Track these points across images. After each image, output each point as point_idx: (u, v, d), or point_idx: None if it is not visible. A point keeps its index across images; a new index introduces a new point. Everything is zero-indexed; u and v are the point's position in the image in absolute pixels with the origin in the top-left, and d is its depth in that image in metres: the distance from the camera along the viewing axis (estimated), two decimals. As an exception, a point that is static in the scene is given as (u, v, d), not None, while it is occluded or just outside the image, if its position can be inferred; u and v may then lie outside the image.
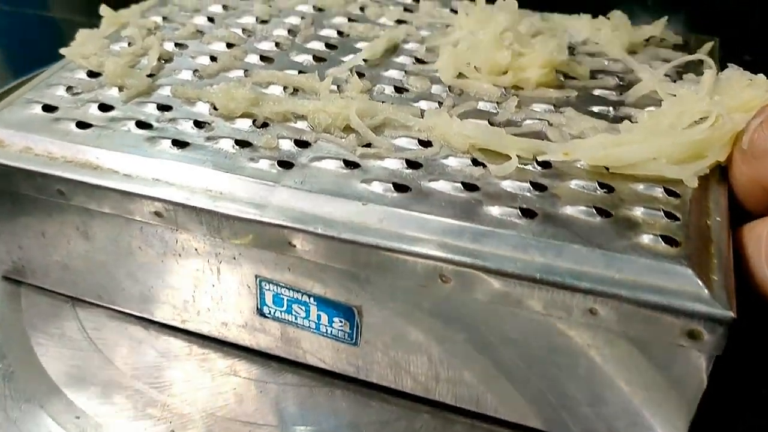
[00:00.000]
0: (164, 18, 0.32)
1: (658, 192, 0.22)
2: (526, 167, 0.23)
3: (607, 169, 0.23)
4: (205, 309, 0.26)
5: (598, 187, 0.22)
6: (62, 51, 0.30)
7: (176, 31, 0.31)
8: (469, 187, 0.23)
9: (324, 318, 0.24)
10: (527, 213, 0.22)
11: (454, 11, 0.33)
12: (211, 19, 0.32)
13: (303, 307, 0.24)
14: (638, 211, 0.22)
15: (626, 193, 0.22)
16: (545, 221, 0.21)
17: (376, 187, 0.23)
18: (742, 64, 0.26)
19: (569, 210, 0.22)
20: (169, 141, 0.25)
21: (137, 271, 0.26)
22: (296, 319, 0.24)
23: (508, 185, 0.23)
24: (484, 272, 0.21)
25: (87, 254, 0.27)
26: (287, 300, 0.24)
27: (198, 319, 0.26)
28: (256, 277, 0.24)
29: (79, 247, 0.27)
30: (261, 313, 0.25)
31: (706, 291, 0.19)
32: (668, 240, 0.20)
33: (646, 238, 0.21)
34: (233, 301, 0.25)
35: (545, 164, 0.23)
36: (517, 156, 0.23)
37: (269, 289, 0.24)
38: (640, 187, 0.23)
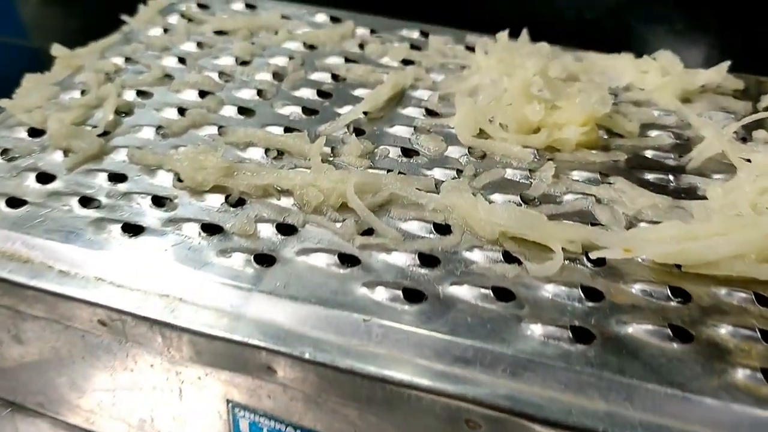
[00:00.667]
0: (127, 59, 0.27)
1: (747, 300, 0.17)
2: (573, 264, 0.18)
3: (679, 267, 0.18)
4: (165, 429, 0.21)
5: (671, 295, 0.17)
6: (2, 103, 0.25)
7: (140, 76, 0.26)
8: (502, 294, 0.17)
9: (314, 453, 0.19)
10: (581, 334, 0.16)
11: (470, 49, 0.28)
12: (182, 60, 0.27)
13: (286, 439, 0.19)
14: (726, 330, 0.16)
15: (706, 302, 0.17)
16: (605, 347, 0.16)
17: (381, 294, 0.17)
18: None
19: (635, 329, 0.16)
20: (120, 225, 0.20)
21: (82, 382, 0.21)
22: (279, 452, 0.19)
23: (552, 291, 0.17)
24: (525, 419, 0.15)
25: (22, 359, 0.21)
26: (268, 430, 0.19)
27: (159, 440, 0.21)
28: (228, 402, 0.19)
29: (13, 351, 0.21)
30: (235, 441, 0.20)
31: (834, 458, 0.14)
32: (771, 376, 0.15)
33: (741, 374, 0.15)
34: (200, 427, 0.20)
35: (599, 261, 0.18)
36: (563, 249, 0.18)
37: (244, 417, 0.19)
38: (723, 291, 0.17)
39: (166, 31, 0.30)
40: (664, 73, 0.26)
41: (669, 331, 0.16)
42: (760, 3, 0.45)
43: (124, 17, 0.30)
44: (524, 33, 0.28)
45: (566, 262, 0.18)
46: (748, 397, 0.15)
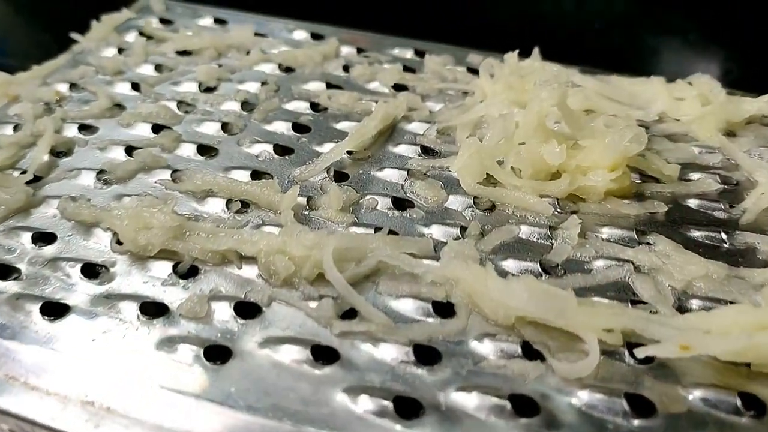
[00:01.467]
0: (72, 85, 0.23)
1: None
2: (612, 360, 0.14)
3: (748, 365, 0.14)
4: None
5: (741, 407, 0.13)
6: None
7: (85, 106, 0.22)
8: (522, 404, 0.13)
9: None
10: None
11: (474, 71, 0.24)
12: (136, 87, 0.23)
13: None
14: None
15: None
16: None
17: (365, 405, 0.13)
18: None
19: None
20: (40, 305, 0.15)
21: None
22: None
23: (586, 400, 0.13)
24: None
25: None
26: None
27: None
28: None
29: None
30: None
31: None
32: None
33: None
34: None
35: (647, 360, 0.14)
36: (599, 340, 0.14)
37: None
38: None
39: (121, 51, 0.26)
40: (703, 101, 0.22)
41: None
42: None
43: (75, 35, 0.26)
44: (536, 52, 0.24)
45: (603, 357, 0.14)
46: None
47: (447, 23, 0.45)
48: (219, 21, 0.28)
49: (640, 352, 0.14)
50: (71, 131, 0.22)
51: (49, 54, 0.37)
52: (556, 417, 0.13)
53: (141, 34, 0.27)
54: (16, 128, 0.22)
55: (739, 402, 0.14)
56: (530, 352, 0.15)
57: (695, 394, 0.14)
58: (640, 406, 0.14)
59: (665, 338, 0.14)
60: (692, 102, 0.22)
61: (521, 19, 0.48)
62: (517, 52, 0.24)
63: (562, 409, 0.13)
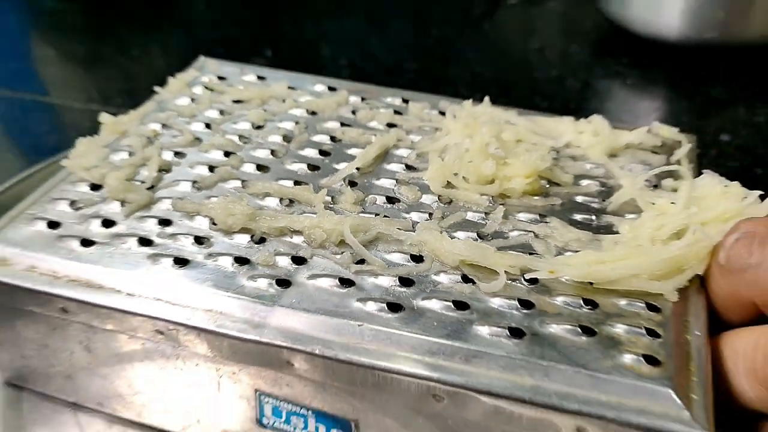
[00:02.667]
0: (163, 125, 0.34)
1: (640, 307, 0.24)
2: (514, 283, 0.25)
3: (591, 283, 0.24)
4: (206, 418, 0.27)
5: (583, 304, 0.24)
6: (63, 163, 0.31)
7: (174, 139, 0.33)
8: (460, 305, 0.24)
9: (322, 429, 0.25)
10: (515, 332, 0.23)
11: (443, 113, 0.35)
12: (208, 125, 0.34)
13: (302, 419, 0.25)
14: (621, 329, 0.23)
15: (610, 309, 0.24)
16: (533, 341, 0.22)
17: (371, 307, 0.24)
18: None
19: (555, 328, 0.23)
20: (171, 259, 0.26)
21: (139, 382, 0.27)
22: (294, 430, 0.25)
23: (497, 303, 0.24)
24: (475, 392, 0.22)
25: (89, 366, 0.28)
26: (286, 412, 0.25)
27: (198, 426, 0.27)
28: (256, 391, 0.25)
29: (81, 360, 0.28)
30: (260, 423, 0.26)
31: (686, 412, 0.20)
32: (650, 359, 0.22)
33: (628, 358, 0.22)
34: (233, 412, 0.26)
35: (533, 280, 0.25)
36: (506, 272, 0.25)
37: (268, 402, 0.25)
38: (623, 302, 0.24)
39: (192, 100, 0.36)
40: (595, 133, 0.32)
41: (579, 329, 0.23)
42: (703, 66, 0.53)
43: (157, 88, 0.37)
44: (486, 100, 0.34)
45: (508, 281, 0.25)
46: (631, 374, 0.21)
47: (426, 79, 0.56)
48: (260, 77, 0.38)
49: (528, 276, 0.25)
50: (168, 156, 0.32)
51: (85, 92, 0.48)
52: (478, 310, 0.24)
53: (206, 87, 0.37)
54: (129, 154, 0.32)
55: (582, 302, 0.24)
56: (467, 280, 0.25)
57: (558, 299, 0.24)
58: (527, 305, 0.24)
59: (542, 268, 0.25)
60: (588, 134, 0.32)
61: (495, 69, 0.59)
62: (471, 100, 0.34)
63: (481, 306, 0.24)
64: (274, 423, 0.26)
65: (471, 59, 0.61)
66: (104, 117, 0.34)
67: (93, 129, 0.34)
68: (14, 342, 0.29)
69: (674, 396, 0.21)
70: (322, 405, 0.24)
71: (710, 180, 0.28)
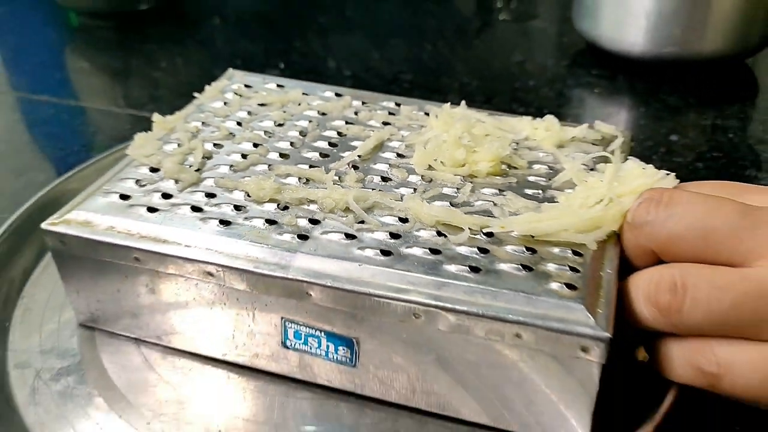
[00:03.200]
0: (203, 123, 0.43)
1: (568, 253, 0.32)
2: (475, 236, 0.33)
3: (533, 237, 0.33)
4: (242, 344, 0.35)
5: (525, 251, 0.32)
6: (127, 152, 0.40)
7: (213, 134, 0.41)
8: (434, 251, 0.32)
9: (331, 348, 0.33)
10: (474, 269, 0.31)
11: (428, 114, 0.43)
12: (239, 123, 0.43)
13: (316, 340, 0.33)
14: (552, 267, 0.31)
15: (545, 255, 0.32)
16: (487, 275, 0.31)
17: (369, 253, 0.32)
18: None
19: (504, 267, 0.31)
20: (216, 221, 0.35)
21: (190, 316, 0.36)
22: (311, 349, 0.34)
23: (461, 250, 0.32)
24: (444, 311, 0.30)
25: (152, 305, 0.36)
26: (304, 335, 0.34)
27: (236, 352, 0.36)
28: (282, 318, 0.34)
29: (146, 301, 0.36)
30: (284, 345, 0.34)
31: (592, 320, 0.29)
32: (570, 286, 0.30)
33: (555, 285, 0.30)
34: (263, 338, 0.35)
35: (489, 234, 0.33)
36: (469, 229, 0.33)
37: (291, 327, 0.34)
38: (555, 250, 0.32)
39: (225, 103, 0.45)
40: (547, 129, 0.41)
41: (521, 267, 0.31)
42: (661, 77, 0.61)
43: (196, 94, 0.46)
44: (463, 104, 0.43)
45: (471, 235, 0.33)
46: (555, 295, 0.30)
47: (420, 88, 0.65)
48: (279, 85, 0.47)
49: (485, 230, 0.33)
50: (209, 147, 0.41)
51: (118, 99, 0.57)
52: (447, 255, 0.32)
53: (235, 93, 0.46)
54: (178, 145, 0.41)
55: (524, 249, 0.33)
56: (441, 234, 0.34)
57: (507, 248, 0.33)
58: (484, 251, 0.33)
59: (496, 225, 0.33)
60: (542, 130, 0.41)
61: (480, 80, 0.68)
62: (449, 104, 0.43)
63: (450, 253, 0.32)
64: (294, 344, 0.34)
65: (460, 71, 0.69)
66: (156, 117, 0.43)
67: (127, 129, 0.42)
68: (91, 290, 0.37)
69: (584, 310, 0.29)
70: (331, 327, 0.33)
71: (633, 164, 0.37)
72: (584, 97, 0.64)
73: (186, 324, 0.36)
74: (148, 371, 0.36)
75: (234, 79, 0.47)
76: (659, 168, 0.36)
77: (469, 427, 0.33)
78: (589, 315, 0.29)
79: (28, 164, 0.57)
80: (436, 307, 0.30)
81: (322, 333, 0.33)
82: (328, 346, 0.33)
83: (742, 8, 0.61)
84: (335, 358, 0.33)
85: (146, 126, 0.42)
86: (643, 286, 0.31)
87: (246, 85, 0.47)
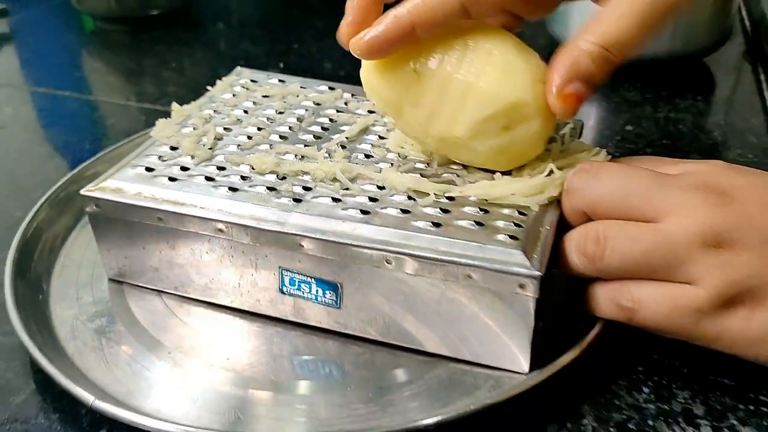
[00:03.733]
0: (215, 111, 0.50)
1: (515, 213, 0.40)
2: (439, 200, 0.41)
3: (487, 200, 0.40)
4: (246, 291, 0.43)
5: (479, 211, 0.40)
6: (151, 134, 0.47)
7: (223, 120, 0.49)
8: (405, 211, 0.40)
9: (320, 292, 0.41)
10: (436, 225, 0.39)
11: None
12: (245, 111, 0.50)
13: (307, 285, 0.41)
14: (501, 223, 0.39)
15: (495, 214, 0.39)
16: (447, 229, 0.38)
17: (351, 212, 0.39)
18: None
19: (461, 223, 0.39)
20: (226, 188, 0.42)
21: (203, 268, 0.43)
22: (303, 293, 0.41)
23: (427, 210, 0.40)
24: (410, 257, 0.37)
25: (171, 260, 0.44)
26: (298, 281, 0.41)
27: (242, 299, 0.43)
28: (279, 267, 0.41)
29: (166, 256, 0.44)
30: (281, 291, 0.42)
31: (528, 262, 0.36)
32: (513, 238, 0.38)
33: (501, 237, 0.37)
34: (264, 285, 0.42)
35: (451, 198, 0.41)
36: (434, 194, 0.40)
37: (287, 275, 0.41)
38: (505, 211, 0.40)
39: (233, 95, 0.53)
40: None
41: (474, 223, 0.39)
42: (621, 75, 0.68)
43: (208, 87, 0.54)
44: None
45: (436, 199, 0.41)
46: (501, 243, 0.37)
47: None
48: (280, 80, 0.55)
49: (447, 195, 0.41)
50: (220, 130, 0.48)
51: (129, 96, 0.65)
52: (415, 214, 0.38)
53: (242, 87, 0.54)
54: (194, 129, 0.48)
55: (478, 209, 0.40)
56: (411, 198, 0.41)
57: (465, 209, 0.40)
58: (445, 212, 0.40)
59: (455, 190, 0.41)
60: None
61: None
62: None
63: (418, 212, 0.38)
64: (289, 290, 0.41)
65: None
66: (174, 106, 0.50)
67: (141, 121, 0.50)
68: (120, 247, 0.45)
69: (522, 254, 0.36)
70: (320, 274, 0.40)
71: (576, 144, 0.44)
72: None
73: (200, 276, 0.43)
74: (168, 315, 0.44)
75: (242, 75, 0.55)
76: (612, 154, 0.43)
77: (432, 358, 0.40)
78: (526, 258, 0.36)
79: (56, 150, 0.65)
80: (404, 254, 0.37)
81: (312, 279, 0.40)
82: (317, 291, 0.41)
83: (697, 12, 0.68)
84: (323, 301, 0.41)
85: (156, 118, 0.49)
86: (575, 239, 0.38)
87: (252, 80, 0.54)
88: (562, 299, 0.40)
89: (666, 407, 0.37)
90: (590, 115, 0.66)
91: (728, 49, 0.75)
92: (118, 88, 0.78)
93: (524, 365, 0.38)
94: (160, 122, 0.48)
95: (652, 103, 0.67)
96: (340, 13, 0.40)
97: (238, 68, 0.56)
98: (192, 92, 0.51)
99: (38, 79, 0.75)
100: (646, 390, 0.38)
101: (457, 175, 0.42)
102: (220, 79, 0.54)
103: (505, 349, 0.38)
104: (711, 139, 0.61)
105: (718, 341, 0.34)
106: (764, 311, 0.34)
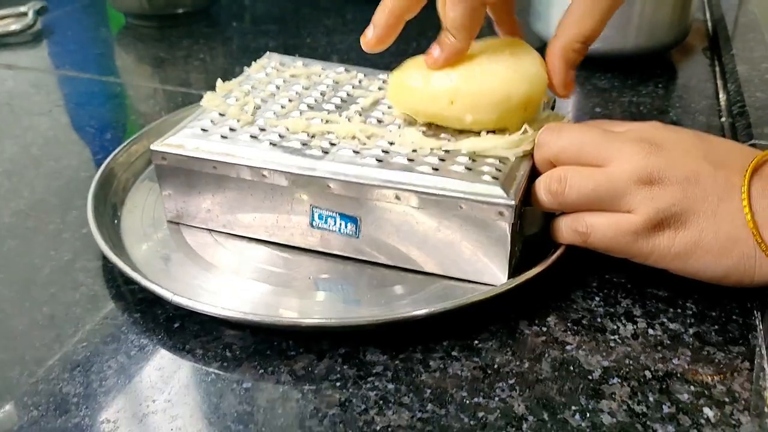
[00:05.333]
0: (252, 87, 0.62)
1: (497, 161, 0.51)
2: (437, 152, 0.52)
3: (474, 152, 0.52)
4: (282, 227, 0.54)
5: (469, 160, 0.51)
6: (201, 103, 0.59)
7: (260, 93, 0.60)
8: (410, 160, 0.51)
9: (343, 224, 0.52)
10: (436, 169, 0.50)
11: (410, 83, 0.62)
12: (278, 87, 0.61)
13: (332, 219, 0.52)
14: (485, 168, 0.50)
15: (481, 162, 0.51)
16: (443, 172, 0.50)
17: (368, 161, 0.51)
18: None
19: (455, 168, 0.50)
20: (267, 142, 0.54)
21: (248, 208, 0.55)
22: (329, 226, 0.53)
23: (429, 159, 0.51)
24: (414, 193, 0.49)
25: (222, 202, 0.55)
26: (325, 215, 0.52)
27: (278, 233, 0.54)
28: (311, 205, 0.52)
29: (218, 198, 0.55)
30: (311, 225, 0.53)
31: (505, 194, 0.48)
32: (494, 178, 0.49)
33: (485, 177, 0.49)
34: (297, 221, 0.53)
35: (446, 151, 0.52)
36: (431, 148, 0.52)
37: (316, 211, 0.53)
38: (489, 160, 0.51)
39: (266, 74, 0.64)
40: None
41: (465, 168, 0.50)
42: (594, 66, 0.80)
43: (245, 68, 0.65)
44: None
45: (434, 151, 0.52)
46: (485, 182, 0.49)
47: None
48: (304, 64, 0.67)
49: (444, 148, 0.52)
50: (258, 101, 0.60)
51: (151, 80, 0.77)
52: (419, 161, 0.50)
53: (273, 68, 0.66)
54: (236, 100, 0.60)
55: (468, 159, 0.52)
56: (415, 151, 0.53)
57: (458, 158, 0.52)
58: (442, 161, 0.52)
59: (450, 146, 0.52)
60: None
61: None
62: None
63: (422, 160, 0.50)
64: (318, 224, 0.53)
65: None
66: (219, 82, 0.62)
67: (172, 101, 0.61)
68: (180, 192, 0.56)
69: (501, 189, 0.48)
70: (342, 209, 0.51)
71: (548, 112, 0.56)
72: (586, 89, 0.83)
73: (244, 215, 0.55)
74: (217, 245, 0.55)
75: (272, 59, 0.67)
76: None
77: (430, 277, 0.52)
78: (504, 192, 0.48)
79: (108, 124, 0.76)
80: (409, 190, 0.49)
81: (337, 214, 0.52)
82: (341, 224, 0.52)
83: (658, 12, 0.80)
84: (345, 232, 0.52)
85: (184, 102, 0.61)
86: (542, 181, 0.50)
87: (281, 63, 0.66)
88: (532, 234, 0.51)
89: (611, 310, 0.48)
90: (570, 101, 0.78)
91: (688, 45, 0.87)
92: (145, 76, 0.90)
93: (502, 279, 0.49)
94: (208, 94, 0.59)
95: (618, 90, 0.79)
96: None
97: (269, 53, 0.67)
98: (213, 82, 0.62)
99: (74, 67, 0.84)
100: (597, 299, 0.49)
101: (451, 136, 0.54)
102: (245, 67, 0.65)
103: (486, 268, 0.49)
104: (667, 118, 0.73)
105: (650, 257, 0.45)
106: (685, 231, 0.45)
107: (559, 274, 0.49)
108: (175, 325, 0.44)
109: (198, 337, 0.42)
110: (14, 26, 0.91)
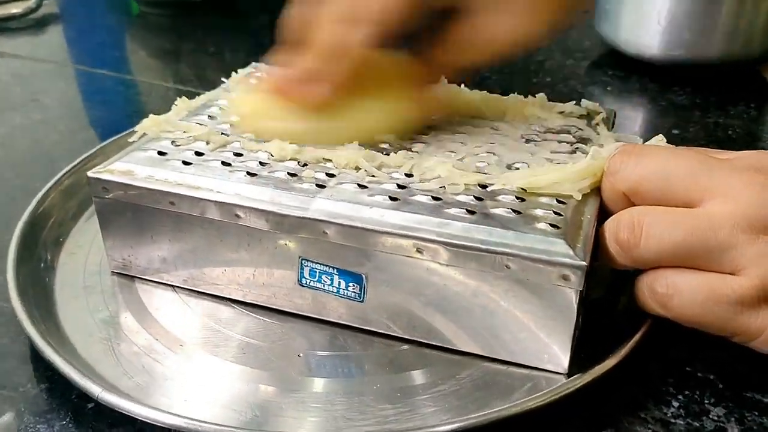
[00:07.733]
0: (220, 108, 0.49)
1: (553, 201, 0.38)
2: (475, 187, 0.39)
3: (524, 189, 0.39)
4: (260, 284, 0.41)
5: (515, 199, 0.38)
6: (137, 128, 0.46)
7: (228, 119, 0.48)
8: (436, 198, 0.38)
9: (342, 284, 0.39)
10: (471, 212, 0.37)
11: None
12: (263, 99, 0.49)
13: (329, 277, 0.39)
14: (539, 212, 0.37)
15: (533, 202, 0.38)
16: (482, 217, 0.37)
17: (378, 198, 0.39)
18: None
19: (498, 211, 0.37)
20: (244, 172, 0.41)
21: (216, 259, 0.42)
22: (324, 286, 0.40)
23: (460, 197, 0.38)
24: (443, 246, 0.36)
25: (181, 250, 0.42)
26: (318, 272, 0.39)
27: (255, 292, 0.42)
28: (299, 257, 0.39)
29: (176, 246, 0.42)
30: (300, 283, 0.40)
31: (572, 252, 0.35)
32: (554, 226, 0.36)
33: (541, 225, 0.36)
34: (281, 276, 0.41)
35: (486, 186, 0.39)
36: (465, 184, 0.39)
37: (307, 266, 0.40)
38: (543, 199, 0.38)
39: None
40: (538, 105, 0.47)
41: (512, 211, 0.37)
42: (671, 78, 0.68)
43: (223, 79, 0.53)
44: (463, 86, 0.50)
45: (467, 187, 0.39)
46: (542, 232, 0.36)
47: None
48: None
49: (481, 183, 0.39)
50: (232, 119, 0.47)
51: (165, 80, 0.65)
52: (447, 201, 0.37)
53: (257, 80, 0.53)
54: (209, 117, 0.47)
55: (514, 198, 0.39)
56: (442, 186, 0.40)
57: (501, 197, 0.39)
58: (479, 200, 0.39)
59: (496, 181, 0.39)
60: (530, 106, 0.47)
61: (499, 74, 0.74)
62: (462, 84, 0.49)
63: (449, 200, 0.38)
64: (309, 282, 0.40)
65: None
66: (179, 100, 0.49)
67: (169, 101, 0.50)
68: (126, 236, 0.44)
69: (565, 243, 0.35)
70: (342, 264, 0.39)
71: (609, 134, 0.43)
72: (596, 94, 0.71)
73: (212, 268, 0.42)
74: (179, 305, 0.43)
75: (258, 70, 0.54)
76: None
77: (463, 357, 0.39)
78: (569, 248, 0.35)
79: (88, 124, 0.68)
80: (437, 241, 0.36)
81: (335, 270, 0.39)
82: (339, 283, 0.39)
83: (751, 16, 0.67)
84: (345, 294, 0.39)
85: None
86: (610, 227, 0.37)
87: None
88: (599, 296, 0.38)
89: (695, 424, 0.35)
90: (637, 119, 0.65)
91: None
92: (155, 69, 0.83)
93: (564, 365, 0.36)
94: (150, 118, 0.46)
95: (700, 108, 0.67)
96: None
97: (254, 63, 0.55)
98: (228, 75, 0.54)
99: (81, 57, 0.83)
100: (675, 405, 0.36)
101: (487, 163, 0.41)
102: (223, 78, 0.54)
103: (543, 348, 0.37)
104: (764, 148, 0.60)
105: (757, 337, 0.33)
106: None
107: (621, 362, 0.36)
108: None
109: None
110: (15, 9, 0.89)
